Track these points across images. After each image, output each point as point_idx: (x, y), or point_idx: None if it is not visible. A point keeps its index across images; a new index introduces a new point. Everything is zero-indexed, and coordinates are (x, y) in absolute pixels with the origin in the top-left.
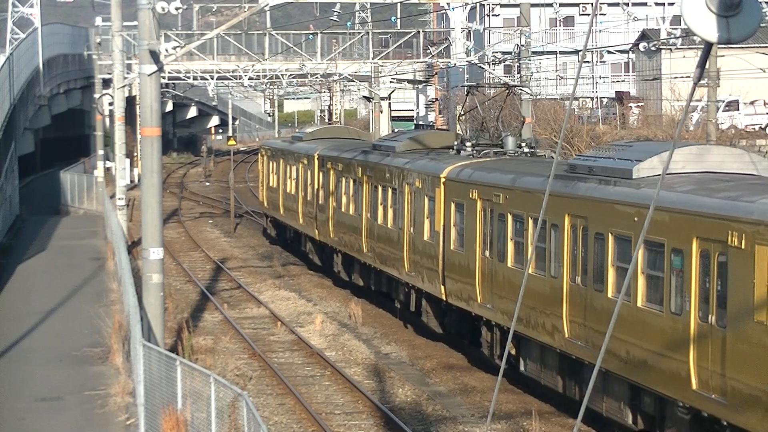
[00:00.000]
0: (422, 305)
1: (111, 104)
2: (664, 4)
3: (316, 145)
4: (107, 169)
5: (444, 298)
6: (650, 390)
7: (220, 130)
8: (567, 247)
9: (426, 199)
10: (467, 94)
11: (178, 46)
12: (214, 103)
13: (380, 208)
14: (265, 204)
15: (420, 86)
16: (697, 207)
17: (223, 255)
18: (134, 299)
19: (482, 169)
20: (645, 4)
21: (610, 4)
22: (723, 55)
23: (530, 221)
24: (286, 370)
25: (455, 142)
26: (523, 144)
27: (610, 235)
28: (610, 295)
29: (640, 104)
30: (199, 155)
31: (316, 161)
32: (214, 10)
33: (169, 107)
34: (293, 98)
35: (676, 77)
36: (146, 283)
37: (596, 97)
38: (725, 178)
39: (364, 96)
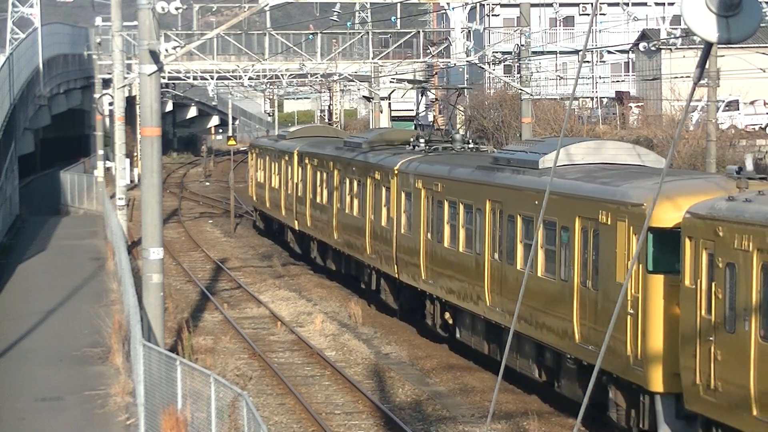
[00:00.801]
0: (381, 284)
1: (111, 104)
2: (664, 4)
3: (296, 142)
4: (107, 169)
5: (397, 276)
6: (549, 346)
7: (220, 130)
8: (488, 228)
9: (383, 190)
10: (421, 96)
11: (178, 46)
12: (214, 103)
13: (347, 199)
14: (254, 198)
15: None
16: (579, 191)
17: (223, 255)
18: (134, 299)
19: (426, 162)
20: (645, 4)
21: (610, 4)
22: (723, 55)
23: (461, 206)
24: (286, 370)
25: (411, 139)
26: (470, 140)
27: (518, 216)
28: (519, 267)
29: (640, 104)
30: (199, 155)
31: (296, 157)
32: (214, 10)
33: (169, 107)
34: (293, 98)
35: (676, 77)
36: (146, 283)
37: (596, 97)
38: (610, 168)
39: (364, 96)
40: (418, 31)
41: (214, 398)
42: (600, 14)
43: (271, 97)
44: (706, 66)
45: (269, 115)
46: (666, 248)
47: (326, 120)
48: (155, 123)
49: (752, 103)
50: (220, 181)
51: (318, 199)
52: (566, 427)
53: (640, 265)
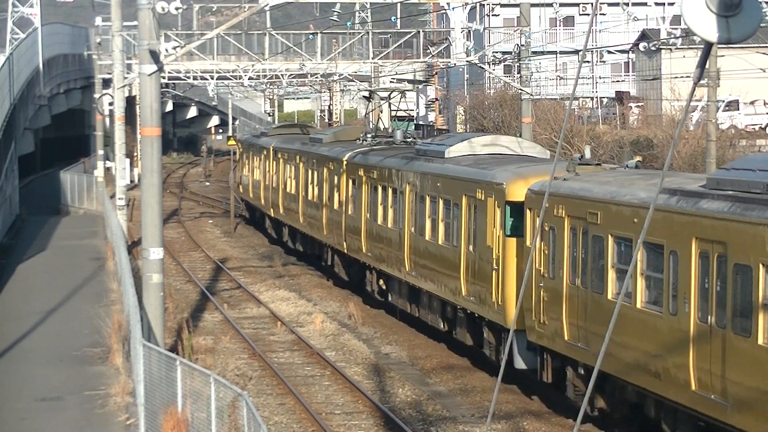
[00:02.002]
0: (335, 260)
1: (111, 104)
2: (664, 4)
3: (273, 139)
4: (107, 169)
5: (346, 251)
6: (448, 301)
7: (220, 130)
8: (408, 208)
9: (336, 178)
10: (369, 100)
11: (178, 46)
12: (214, 103)
13: (310, 187)
14: (241, 191)
15: (420, 86)
16: (465, 175)
17: (223, 255)
18: (134, 299)
19: (367, 154)
20: (645, 4)
21: (610, 4)
22: (723, 55)
23: (390, 190)
24: (286, 370)
25: (360, 135)
26: (408, 136)
27: (427, 197)
28: (427, 238)
29: (640, 104)
30: (199, 155)
31: (271, 152)
32: (214, 10)
33: (169, 107)
34: (293, 98)
35: (676, 77)
36: (146, 283)
37: (596, 97)
38: (495, 157)
39: (363, 96)
40: (418, 31)
41: (214, 398)
42: (600, 14)
43: (271, 97)
44: (706, 66)
45: (269, 115)
46: (518, 217)
47: (326, 120)
48: (155, 123)
49: (752, 103)
50: (220, 181)
51: (288, 189)
52: (566, 427)
53: (501, 231)
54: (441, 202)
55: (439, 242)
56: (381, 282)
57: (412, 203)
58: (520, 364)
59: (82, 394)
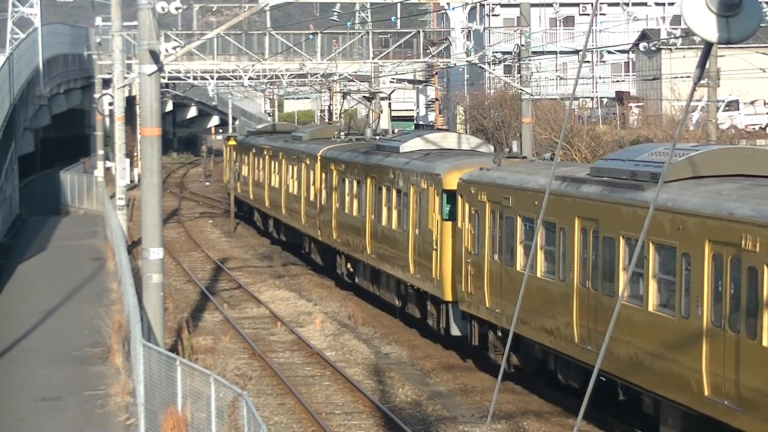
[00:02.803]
0: (311, 247)
1: (111, 104)
2: (664, 4)
3: (260, 138)
4: (107, 169)
5: (320, 238)
6: (401, 280)
7: (220, 130)
8: (369, 198)
9: (312, 172)
10: (343, 98)
11: (178, 46)
12: (214, 103)
13: (291, 181)
14: (238, 190)
15: (420, 86)
16: (413, 167)
17: (223, 255)
18: (134, 299)
19: (338, 150)
20: (645, 4)
21: (610, 4)
22: (723, 55)
23: (355, 182)
24: (286, 370)
25: (335, 133)
26: (378, 134)
27: (384, 187)
28: (383, 224)
29: (640, 104)
30: (199, 155)
31: (258, 150)
32: (214, 10)
33: (169, 107)
34: (293, 98)
35: (676, 77)
36: (146, 283)
37: (596, 97)
38: (444, 152)
39: (364, 96)
40: (418, 31)
41: (214, 398)
42: (600, 14)
43: (271, 97)
44: (706, 66)
45: (269, 115)
46: (453, 203)
47: (326, 120)
48: (155, 123)
49: (752, 103)
50: (220, 181)
51: (272, 184)
52: (566, 427)
53: (439, 216)
54: (394, 191)
55: (393, 227)
56: (349, 265)
57: (372, 193)
58: (455, 331)
59: (82, 394)
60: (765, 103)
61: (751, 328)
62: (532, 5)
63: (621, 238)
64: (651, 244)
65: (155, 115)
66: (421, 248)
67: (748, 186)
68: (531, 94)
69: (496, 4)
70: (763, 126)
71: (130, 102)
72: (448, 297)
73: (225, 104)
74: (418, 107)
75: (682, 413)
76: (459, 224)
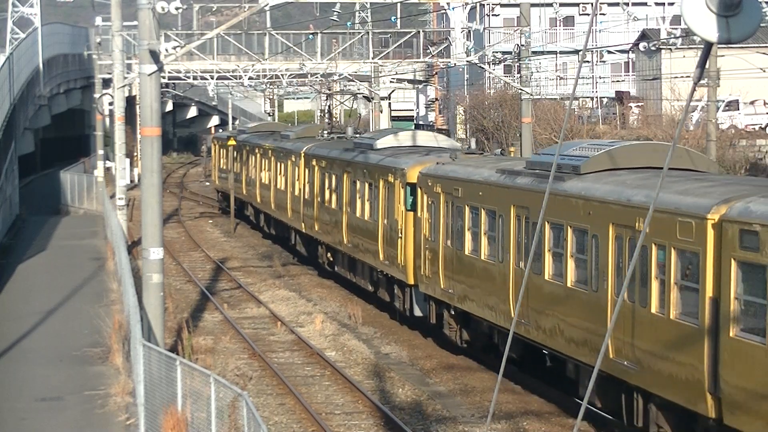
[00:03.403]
0: (296, 239)
1: (111, 104)
2: (664, 4)
3: (250, 136)
4: (107, 169)
5: (303, 230)
6: (373, 266)
7: (220, 130)
8: (345, 191)
9: (297, 168)
10: (326, 98)
11: (178, 46)
12: (214, 103)
13: (279, 177)
14: (216, 182)
15: (420, 86)
16: (383, 163)
17: (223, 255)
18: (134, 299)
19: (320, 148)
20: (645, 4)
21: (610, 4)
22: (723, 55)
23: (334, 177)
24: (286, 370)
25: (319, 131)
26: (358, 132)
27: (358, 181)
28: (357, 215)
29: (640, 104)
30: (199, 155)
31: (249, 148)
32: (214, 10)
33: (169, 107)
34: (293, 98)
35: (676, 77)
36: (146, 283)
37: (596, 97)
38: (413, 149)
39: (364, 96)
40: (418, 31)
41: (214, 398)
42: (600, 14)
43: (271, 97)
44: (706, 66)
45: (269, 115)
46: (415, 195)
47: (326, 120)
48: (155, 123)
49: (752, 103)
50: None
51: (263, 180)
52: (566, 427)
53: (403, 207)
54: (367, 185)
55: (366, 219)
56: (329, 255)
57: (349, 187)
58: (418, 312)
59: (82, 394)
60: (765, 103)
61: (644, 298)
62: (532, 5)
63: (546, 223)
64: (569, 227)
65: (155, 115)
66: (389, 237)
67: (648, 177)
68: (531, 94)
69: (496, 4)
70: (763, 126)
71: (130, 102)
72: (411, 280)
73: (225, 104)
74: (418, 107)
75: (604, 377)
76: (419, 214)
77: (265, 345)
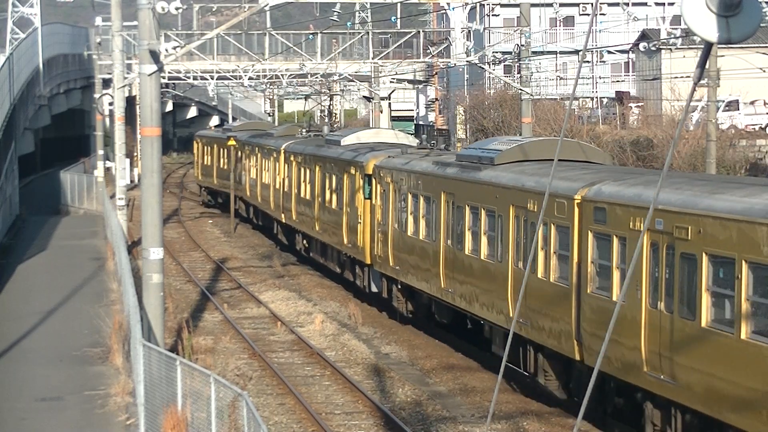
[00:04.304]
0: (278, 228)
1: (111, 104)
2: (664, 4)
3: (237, 135)
4: (107, 169)
5: (284, 221)
6: (338, 250)
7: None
8: (317, 183)
9: (278, 163)
10: (306, 99)
11: (178, 46)
12: (214, 103)
13: (264, 173)
14: (200, 177)
15: (420, 86)
16: (346, 158)
17: (223, 255)
18: (134, 299)
19: (298, 144)
20: (645, 4)
21: (610, 4)
22: (723, 55)
23: (308, 170)
24: (286, 370)
25: (300, 130)
26: (332, 130)
27: (327, 174)
28: (327, 205)
29: (640, 104)
30: None
31: (237, 146)
32: (214, 10)
33: (169, 107)
34: (293, 98)
35: (676, 77)
36: (146, 283)
37: (596, 97)
38: (376, 145)
39: (364, 96)
40: (418, 31)
41: (214, 398)
42: (600, 14)
43: (271, 97)
44: (706, 66)
45: (269, 115)
46: (371, 185)
47: (326, 120)
48: (155, 123)
49: (752, 103)
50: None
51: (251, 175)
52: (566, 427)
53: (362, 196)
54: (334, 177)
55: (333, 207)
56: (305, 242)
57: (320, 179)
58: (374, 288)
59: (82, 394)
60: (765, 103)
61: (534, 266)
62: (532, 5)
63: (467, 206)
64: (483, 209)
65: (155, 115)
66: (351, 223)
67: (544, 167)
68: (531, 94)
69: (496, 4)
70: (763, 126)
71: (130, 102)
72: (368, 260)
73: (225, 104)
74: (418, 107)
75: (503, 333)
76: (374, 201)
77: (265, 345)
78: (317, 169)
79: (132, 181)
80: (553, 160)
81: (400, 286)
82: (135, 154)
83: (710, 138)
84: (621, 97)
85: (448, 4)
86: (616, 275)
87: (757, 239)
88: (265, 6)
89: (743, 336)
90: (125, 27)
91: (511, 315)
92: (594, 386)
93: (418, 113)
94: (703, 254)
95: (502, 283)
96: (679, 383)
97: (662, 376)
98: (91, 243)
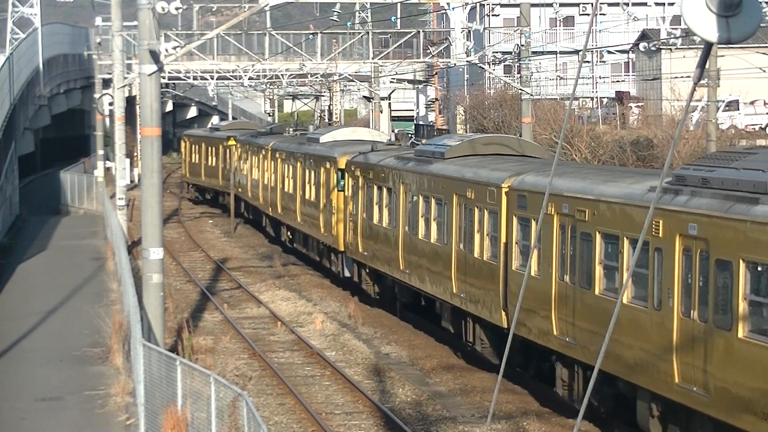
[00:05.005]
0: (266, 221)
1: (111, 104)
2: (664, 4)
3: (224, 133)
4: (107, 169)
5: (270, 214)
6: (314, 237)
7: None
8: (299, 177)
9: (266, 160)
10: (292, 99)
11: (178, 46)
12: (214, 103)
13: (253, 169)
14: (187, 175)
15: (420, 86)
16: (322, 153)
17: (223, 255)
18: (134, 299)
19: (283, 142)
20: (645, 4)
21: (610, 4)
22: (723, 55)
23: (290, 166)
24: (286, 370)
25: (287, 129)
26: (316, 128)
27: (307, 170)
28: (307, 198)
29: (640, 104)
30: None
31: (220, 143)
32: (214, 10)
33: (169, 107)
34: (289, 98)
35: (676, 77)
36: (146, 283)
37: (596, 97)
38: (351, 142)
39: (364, 96)
40: (418, 31)
41: (214, 398)
42: (600, 14)
43: (271, 97)
44: (706, 66)
45: (269, 115)
46: (344, 179)
47: (326, 120)
48: (155, 123)
49: (752, 103)
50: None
51: (243, 172)
52: (566, 427)
53: (336, 189)
54: (313, 172)
55: (312, 200)
56: (288, 233)
57: (301, 174)
58: (347, 273)
59: (82, 394)
60: (765, 103)
61: (470, 248)
62: (532, 5)
63: (420, 196)
64: (433, 198)
65: (155, 115)
66: (327, 214)
67: (484, 160)
68: (531, 94)
69: (496, 4)
70: (763, 126)
71: (130, 102)
72: (341, 248)
73: (225, 104)
74: (418, 107)
75: (450, 308)
76: (346, 193)
77: (265, 345)
78: (299, 165)
79: (132, 181)
80: (495, 154)
81: (368, 271)
82: (135, 154)
83: (710, 138)
84: (621, 97)
85: (448, 4)
86: (534, 253)
87: (635, 219)
88: (265, 6)
89: (626, 300)
90: (125, 27)
91: (455, 291)
92: (517, 351)
93: (418, 113)
94: (597, 233)
95: (448, 263)
96: (579, 344)
97: (567, 339)
98: (91, 243)
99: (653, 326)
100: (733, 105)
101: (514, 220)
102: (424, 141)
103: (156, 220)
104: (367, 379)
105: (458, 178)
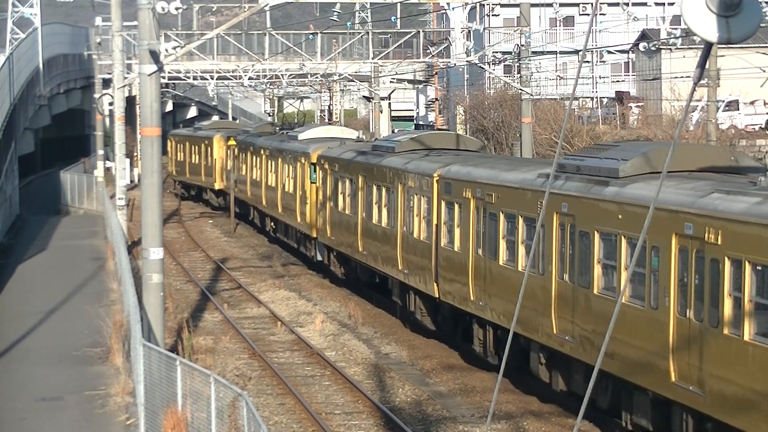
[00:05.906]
0: (253, 214)
1: (111, 104)
2: (664, 4)
3: (211, 132)
4: (107, 169)
5: (258, 207)
6: (295, 228)
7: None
8: (280, 172)
9: (254, 157)
10: (279, 100)
11: (178, 46)
12: (214, 103)
13: (242, 166)
14: (174, 172)
15: (420, 86)
16: (299, 149)
17: (223, 255)
18: (134, 299)
19: (266, 140)
20: (645, 4)
21: (610, 4)
22: (723, 55)
23: (273, 162)
24: (286, 370)
25: (274, 128)
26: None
27: (287, 165)
28: (286, 190)
29: (640, 104)
30: None
31: (214, 141)
32: (214, 10)
33: (169, 107)
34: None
35: (676, 77)
36: (146, 283)
37: (596, 97)
38: (327, 139)
39: (364, 96)
40: (418, 31)
41: (214, 398)
42: (600, 14)
43: (271, 97)
44: (706, 66)
45: (269, 115)
46: (316, 172)
47: (326, 120)
48: (155, 123)
49: (752, 103)
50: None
51: (229, 168)
52: (566, 427)
53: (309, 181)
54: (291, 166)
55: (290, 191)
56: (272, 223)
57: (281, 169)
58: (319, 258)
59: (82, 394)
60: (765, 103)
61: (410, 230)
62: (532, 5)
63: (374, 186)
64: (383, 188)
65: (155, 115)
66: (302, 204)
67: (428, 154)
68: (531, 94)
69: (496, 4)
70: (763, 126)
71: (130, 102)
72: (314, 234)
73: (225, 104)
74: (418, 107)
75: (398, 283)
76: (317, 185)
77: (265, 345)
78: (280, 160)
79: (132, 181)
80: (441, 148)
81: (335, 254)
82: (135, 154)
83: (710, 138)
84: (621, 97)
85: (448, 4)
86: (457, 232)
87: (526, 200)
88: (265, 6)
89: (520, 268)
90: (125, 27)
91: (400, 268)
92: (449, 319)
93: (418, 113)
94: (500, 213)
95: (394, 243)
96: (489, 307)
97: (481, 303)
98: (91, 243)
99: (539, 288)
100: (733, 105)
101: (442, 204)
102: (382, 137)
103: (156, 220)
104: (367, 379)
105: (403, 169)
